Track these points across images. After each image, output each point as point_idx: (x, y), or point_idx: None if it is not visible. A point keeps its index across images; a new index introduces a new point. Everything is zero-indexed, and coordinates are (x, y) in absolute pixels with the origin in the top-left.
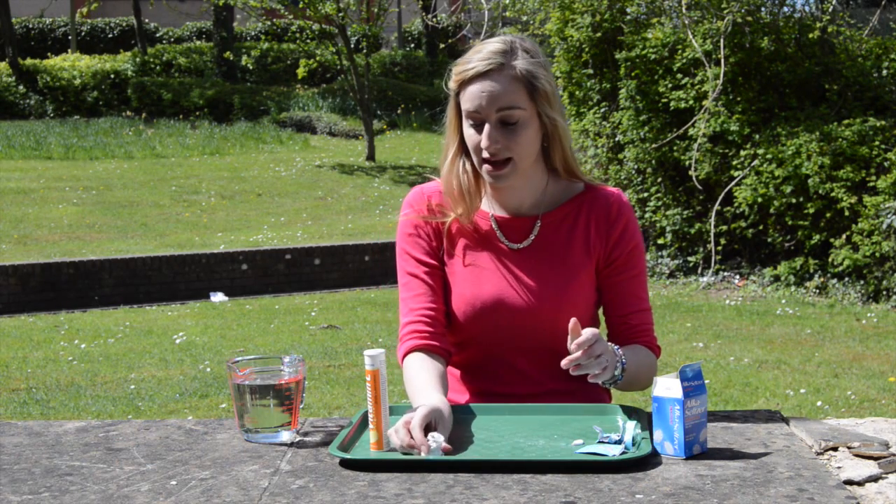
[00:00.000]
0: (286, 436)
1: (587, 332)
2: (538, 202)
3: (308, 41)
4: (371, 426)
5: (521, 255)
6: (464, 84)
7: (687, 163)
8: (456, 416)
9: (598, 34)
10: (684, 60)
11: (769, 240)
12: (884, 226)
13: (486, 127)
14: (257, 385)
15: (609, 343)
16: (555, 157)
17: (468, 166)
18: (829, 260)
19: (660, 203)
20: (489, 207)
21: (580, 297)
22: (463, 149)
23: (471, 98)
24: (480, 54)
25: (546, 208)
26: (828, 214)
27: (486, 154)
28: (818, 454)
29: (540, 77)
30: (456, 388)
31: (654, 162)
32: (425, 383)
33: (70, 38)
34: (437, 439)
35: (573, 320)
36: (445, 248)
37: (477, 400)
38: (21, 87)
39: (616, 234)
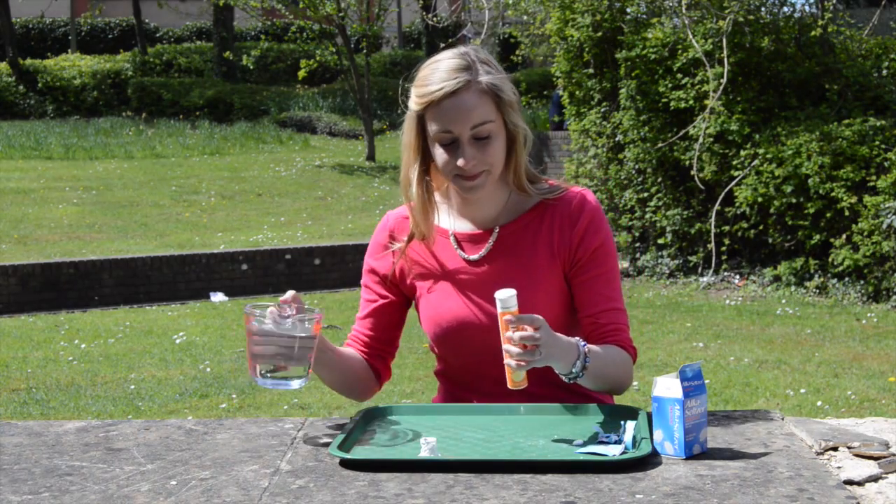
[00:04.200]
0: (296, 384)
1: (529, 316)
2: (498, 214)
3: (308, 41)
4: (519, 364)
5: (479, 266)
6: (431, 105)
7: (687, 163)
8: (455, 417)
9: (599, 34)
10: (684, 60)
11: (769, 240)
12: (884, 226)
13: (462, 146)
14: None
15: (573, 338)
16: (508, 166)
17: (424, 186)
18: (830, 260)
19: (660, 203)
20: (449, 224)
21: (545, 304)
22: (424, 168)
23: (441, 119)
24: (442, 73)
25: (506, 219)
26: (828, 214)
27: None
28: (818, 454)
29: (504, 89)
30: (449, 398)
31: (654, 162)
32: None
33: (70, 38)
34: (432, 441)
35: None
36: (410, 275)
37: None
38: (21, 87)
39: (579, 232)
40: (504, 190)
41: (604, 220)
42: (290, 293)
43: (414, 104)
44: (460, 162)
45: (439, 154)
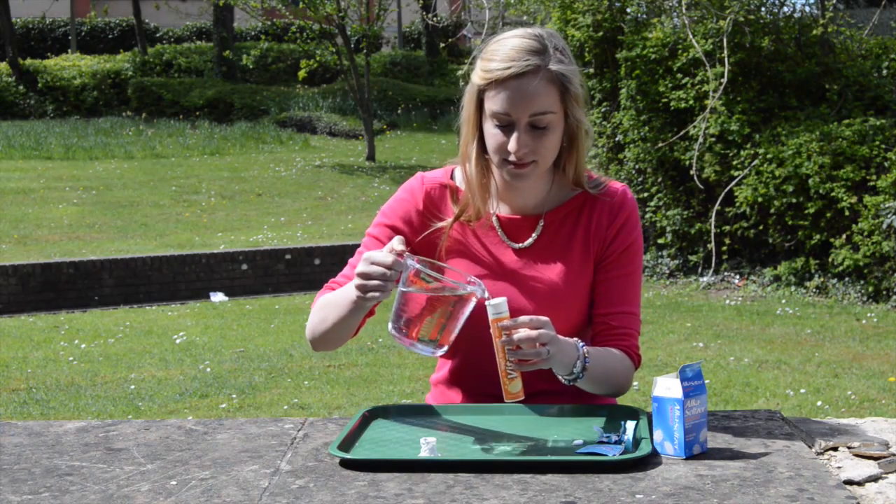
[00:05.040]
0: (440, 352)
1: (534, 317)
2: (543, 201)
3: (308, 41)
4: (515, 375)
5: (523, 255)
6: (494, 83)
7: (687, 163)
8: (455, 417)
9: (599, 34)
10: (684, 60)
11: (769, 240)
12: (884, 226)
13: (515, 132)
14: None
15: (572, 339)
16: (569, 161)
17: (483, 164)
18: (830, 260)
19: (660, 203)
20: (493, 207)
21: (579, 298)
22: (482, 146)
23: (502, 100)
24: (512, 52)
25: (549, 206)
26: (828, 214)
27: (512, 157)
28: (818, 454)
29: (574, 81)
30: (447, 391)
31: (654, 162)
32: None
33: (70, 38)
34: (432, 441)
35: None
36: (443, 251)
37: (469, 401)
38: (21, 87)
39: (614, 229)
40: (547, 179)
41: (639, 220)
42: (397, 240)
43: (477, 77)
44: (511, 146)
45: (492, 134)
